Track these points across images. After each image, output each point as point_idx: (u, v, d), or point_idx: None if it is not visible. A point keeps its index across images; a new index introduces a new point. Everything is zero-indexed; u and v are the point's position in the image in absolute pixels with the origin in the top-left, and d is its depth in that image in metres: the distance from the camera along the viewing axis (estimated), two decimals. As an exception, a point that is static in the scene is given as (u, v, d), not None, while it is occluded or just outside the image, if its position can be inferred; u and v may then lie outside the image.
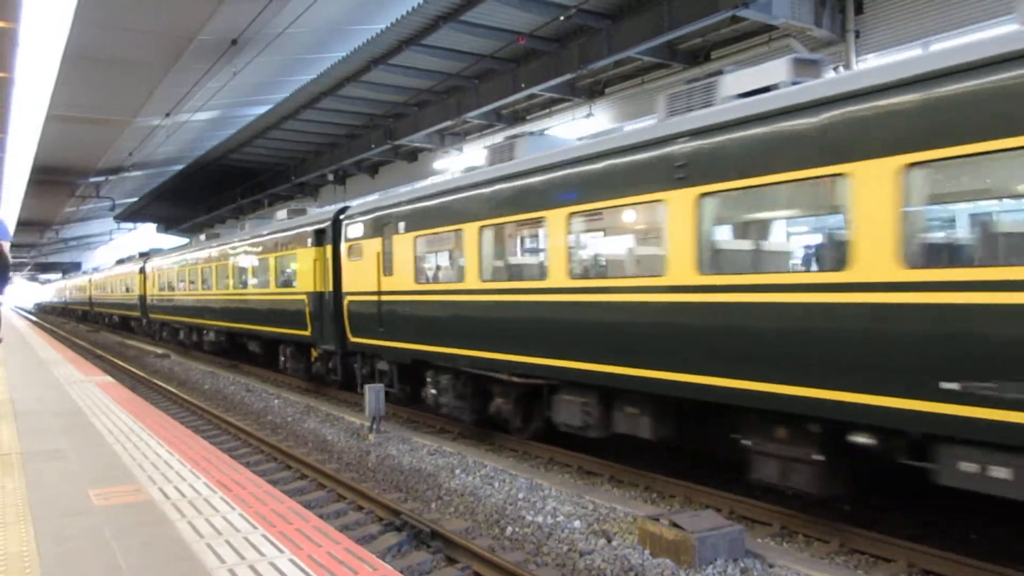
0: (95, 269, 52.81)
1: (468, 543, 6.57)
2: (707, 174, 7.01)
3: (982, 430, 5.12)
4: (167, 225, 47.07)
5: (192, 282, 25.20)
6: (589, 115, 16.73)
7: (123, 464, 6.35)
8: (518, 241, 10.45)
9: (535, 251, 9.68)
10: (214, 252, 22.91)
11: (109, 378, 13.32)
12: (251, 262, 19.71)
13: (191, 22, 15.50)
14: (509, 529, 7.29)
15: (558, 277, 8.73)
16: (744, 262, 7.47)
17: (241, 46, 16.07)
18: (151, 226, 48.16)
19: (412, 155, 24.43)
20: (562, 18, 13.75)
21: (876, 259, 5.65)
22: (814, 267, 7.16)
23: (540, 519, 7.45)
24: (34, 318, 61.04)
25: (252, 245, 19.64)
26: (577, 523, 7.27)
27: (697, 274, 7.10)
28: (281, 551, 4.22)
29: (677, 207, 7.26)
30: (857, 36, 11.86)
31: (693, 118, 7.41)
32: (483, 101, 18.01)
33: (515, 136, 10.59)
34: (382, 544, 6.88)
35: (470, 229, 10.20)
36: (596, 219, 8.80)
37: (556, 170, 8.86)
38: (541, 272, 9.15)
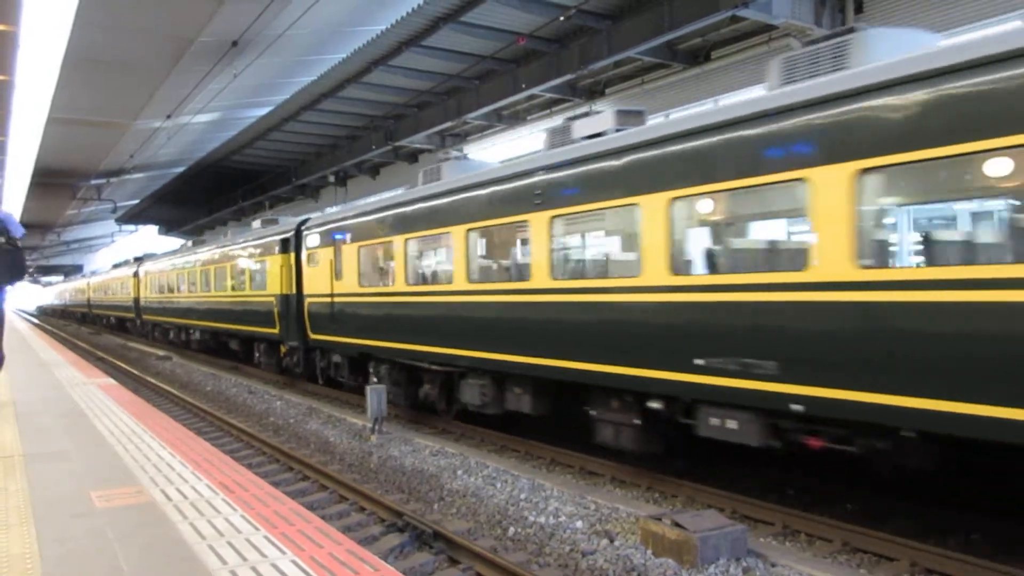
0: (93, 273, 53.14)
1: (470, 544, 6.58)
2: (554, 200, 8.85)
3: (718, 393, 6.93)
4: (168, 227, 47.12)
5: (180, 285, 26.28)
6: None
7: (125, 466, 6.34)
8: (433, 251, 12.42)
9: (445, 260, 11.49)
10: (199, 257, 23.98)
11: (111, 380, 13.31)
12: (230, 267, 20.89)
13: (191, 24, 15.51)
14: (511, 530, 7.29)
15: (460, 281, 10.53)
16: (578, 269, 9.60)
17: (242, 48, 16.08)
18: (152, 228, 48.18)
19: (413, 156, 24.42)
20: (562, 18, 13.76)
21: (655, 267, 7.55)
22: (623, 274, 8.57)
23: (542, 519, 7.45)
24: (36, 320, 61.09)
25: (231, 251, 20.87)
26: (579, 523, 7.27)
27: (550, 279, 8.92)
28: (283, 552, 4.22)
29: (537, 226, 9.08)
30: (857, 35, 11.84)
31: (543, 156, 9.27)
32: (483, 102, 18.00)
33: (444, 159, 12.37)
34: (384, 545, 6.88)
35: (398, 240, 12.20)
36: (487, 234, 10.65)
37: (457, 194, 10.71)
38: (448, 277, 10.89)
